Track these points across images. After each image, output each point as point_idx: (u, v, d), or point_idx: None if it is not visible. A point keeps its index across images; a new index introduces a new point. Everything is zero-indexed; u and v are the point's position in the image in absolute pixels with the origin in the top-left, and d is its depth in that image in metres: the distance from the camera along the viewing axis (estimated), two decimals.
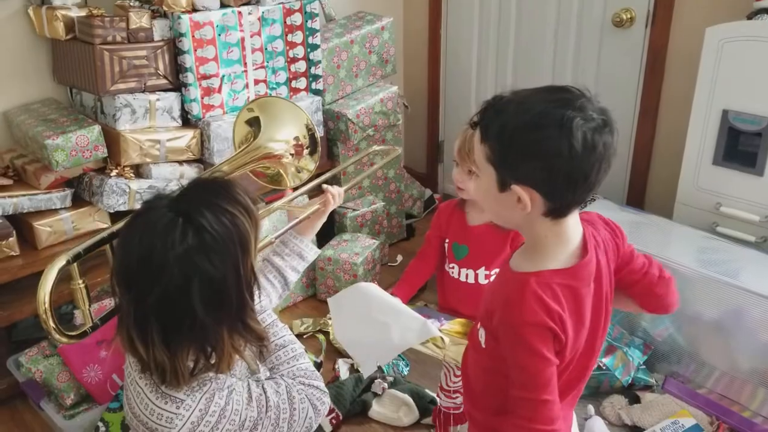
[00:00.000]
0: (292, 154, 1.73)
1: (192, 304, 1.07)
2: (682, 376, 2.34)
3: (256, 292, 1.19)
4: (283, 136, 1.73)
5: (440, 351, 1.50)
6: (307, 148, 1.74)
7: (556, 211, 1.10)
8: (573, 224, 1.16)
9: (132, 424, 1.19)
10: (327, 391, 1.33)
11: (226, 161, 1.69)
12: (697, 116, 2.42)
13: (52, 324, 1.28)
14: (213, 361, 1.15)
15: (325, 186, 1.72)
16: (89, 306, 1.47)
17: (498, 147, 1.07)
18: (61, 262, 1.31)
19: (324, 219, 1.72)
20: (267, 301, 1.53)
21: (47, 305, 1.26)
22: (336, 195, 1.71)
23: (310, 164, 1.75)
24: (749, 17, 2.30)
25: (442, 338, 1.48)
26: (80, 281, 1.44)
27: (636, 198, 2.96)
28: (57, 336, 1.32)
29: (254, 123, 1.73)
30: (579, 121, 1.02)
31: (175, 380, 1.12)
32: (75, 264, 1.37)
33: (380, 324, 1.16)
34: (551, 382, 1.14)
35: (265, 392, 1.23)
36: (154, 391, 1.14)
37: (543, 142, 1.03)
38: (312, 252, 1.66)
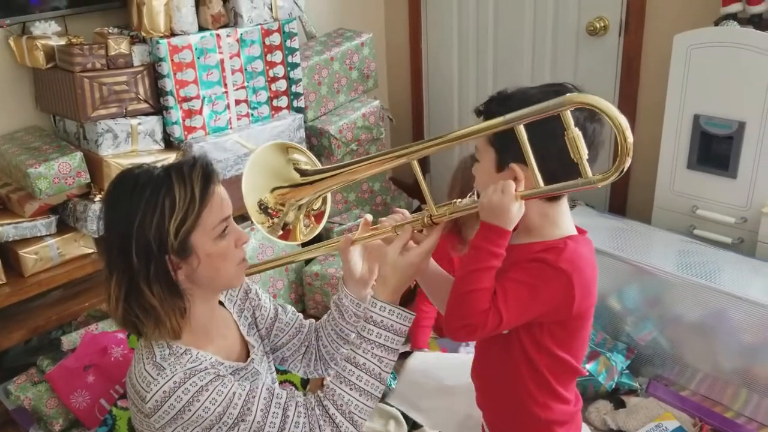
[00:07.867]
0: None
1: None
2: (665, 379, 2.36)
3: None
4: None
5: None
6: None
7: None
8: (565, 211, 1.28)
9: (128, 391, 1.28)
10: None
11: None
12: (670, 122, 2.46)
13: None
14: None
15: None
16: None
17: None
18: None
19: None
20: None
21: None
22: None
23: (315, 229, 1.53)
24: (716, 23, 2.33)
25: None
26: None
27: (617, 204, 2.99)
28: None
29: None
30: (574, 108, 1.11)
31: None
32: None
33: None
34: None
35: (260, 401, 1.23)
36: (150, 358, 1.23)
37: (539, 124, 1.12)
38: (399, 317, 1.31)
